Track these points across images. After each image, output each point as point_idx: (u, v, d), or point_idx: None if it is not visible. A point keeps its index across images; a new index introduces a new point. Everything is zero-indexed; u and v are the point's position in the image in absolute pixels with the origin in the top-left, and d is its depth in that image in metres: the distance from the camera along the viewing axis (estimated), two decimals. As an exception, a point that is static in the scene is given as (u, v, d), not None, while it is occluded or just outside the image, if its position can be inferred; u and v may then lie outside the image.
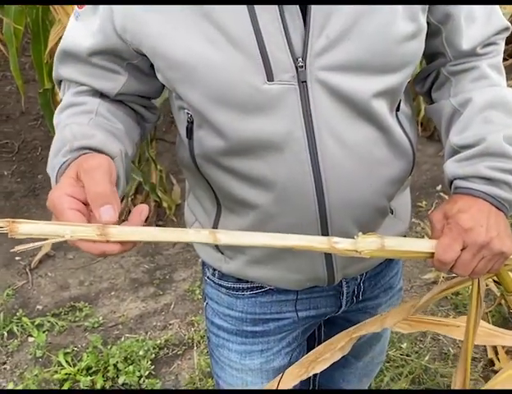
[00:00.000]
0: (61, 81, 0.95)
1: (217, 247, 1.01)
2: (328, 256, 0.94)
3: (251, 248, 0.97)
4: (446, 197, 2.83)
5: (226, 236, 0.72)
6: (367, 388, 1.43)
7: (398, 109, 0.91)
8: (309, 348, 1.17)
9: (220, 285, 1.07)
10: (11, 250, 0.69)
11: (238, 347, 1.10)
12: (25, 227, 0.68)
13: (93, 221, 0.70)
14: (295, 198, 0.87)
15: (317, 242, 0.75)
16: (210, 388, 2.01)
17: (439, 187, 2.97)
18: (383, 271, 1.12)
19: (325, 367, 1.11)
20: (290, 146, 0.83)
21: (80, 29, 0.87)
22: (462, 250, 0.80)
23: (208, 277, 1.09)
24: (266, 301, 1.06)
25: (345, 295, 1.07)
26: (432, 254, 0.81)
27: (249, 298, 1.06)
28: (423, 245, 0.81)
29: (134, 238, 0.69)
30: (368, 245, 0.77)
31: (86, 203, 0.70)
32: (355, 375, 1.34)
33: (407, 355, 2.06)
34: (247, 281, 1.04)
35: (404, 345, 2.09)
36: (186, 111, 0.88)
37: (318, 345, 1.20)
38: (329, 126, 0.83)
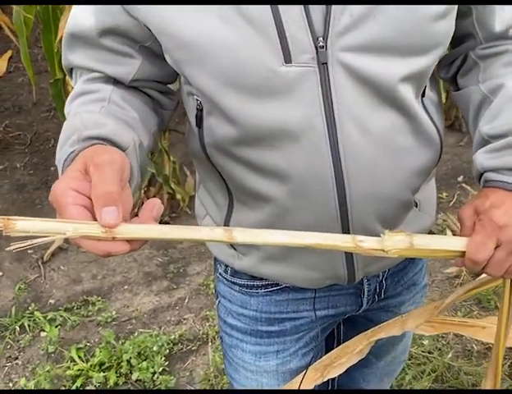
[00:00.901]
0: (72, 69, 0.88)
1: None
2: (349, 253, 0.88)
3: (265, 243, 0.91)
4: (468, 188, 2.74)
5: (242, 234, 0.66)
6: (388, 388, 1.36)
7: (423, 95, 0.85)
8: (328, 348, 1.12)
9: (233, 282, 1.01)
10: (15, 248, 0.62)
11: (252, 348, 1.04)
12: (21, 224, 0.61)
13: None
14: (313, 191, 0.80)
15: (341, 241, 0.69)
16: (225, 386, 1.96)
17: (460, 178, 2.89)
18: (407, 267, 1.05)
19: (341, 371, 1.05)
20: (308, 135, 0.77)
21: (85, 10, 0.81)
22: (495, 249, 0.73)
23: (220, 274, 1.04)
24: (282, 300, 1.00)
25: (366, 293, 1.01)
26: (463, 252, 0.74)
27: (263, 296, 1.00)
28: (455, 244, 0.74)
29: (142, 236, 0.63)
30: (395, 243, 0.70)
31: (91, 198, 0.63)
32: (376, 375, 1.28)
33: (429, 352, 1.99)
34: (261, 279, 0.98)
35: (425, 342, 2.02)
36: (195, 97, 0.82)
37: (337, 345, 1.14)
38: (351, 113, 0.76)
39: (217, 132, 0.82)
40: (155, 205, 0.65)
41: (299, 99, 0.75)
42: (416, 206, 0.94)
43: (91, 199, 0.62)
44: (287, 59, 0.73)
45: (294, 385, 1.04)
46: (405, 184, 0.85)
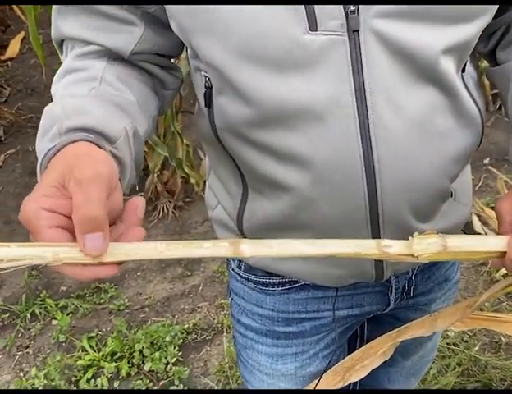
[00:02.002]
0: (62, 42, 0.77)
1: (242, 235, 0.86)
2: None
3: (282, 236, 0.81)
4: (495, 171, 2.61)
5: (251, 247, 0.57)
6: (414, 388, 1.28)
7: (463, 70, 0.75)
8: (350, 349, 1.03)
9: (247, 279, 0.92)
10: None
11: (269, 350, 0.96)
12: None
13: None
14: (339, 179, 0.70)
15: (364, 247, 0.59)
16: (240, 377, 1.88)
17: (487, 160, 2.76)
18: (439, 262, 0.95)
19: (364, 375, 0.97)
20: (335, 115, 0.67)
21: None
22: None
23: (232, 270, 0.95)
24: (300, 298, 0.91)
25: (393, 291, 0.92)
26: (503, 253, 0.63)
27: (280, 294, 0.91)
28: (494, 243, 0.64)
29: (133, 258, 0.53)
30: (426, 247, 0.60)
31: (70, 217, 0.52)
32: (402, 374, 1.19)
33: (454, 345, 1.89)
34: (278, 276, 0.89)
35: (451, 334, 1.92)
36: (203, 73, 0.72)
37: (361, 345, 1.05)
38: (385, 90, 0.67)
39: (228, 113, 0.72)
40: (138, 206, 0.56)
41: (326, 74, 0.65)
42: (451, 196, 0.84)
43: (69, 218, 0.52)
44: (312, 26, 0.63)
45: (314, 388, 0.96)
46: (443, 171, 0.75)
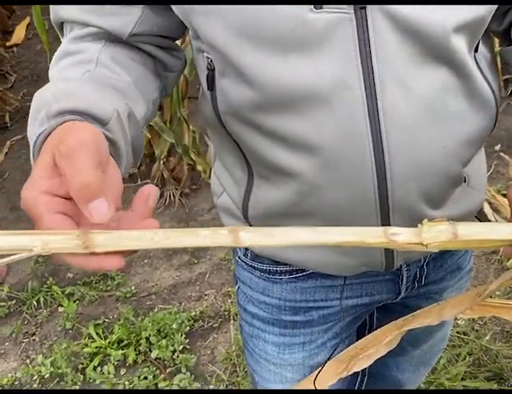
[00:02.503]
0: (62, 25, 0.75)
1: (248, 222, 0.84)
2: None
3: (288, 223, 0.79)
4: (506, 157, 2.57)
5: (251, 235, 0.54)
6: (424, 378, 1.25)
7: (476, 50, 0.71)
8: (359, 338, 1.00)
9: (253, 267, 0.90)
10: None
11: (276, 339, 0.93)
12: None
13: (84, 222, 0.50)
14: (347, 165, 0.68)
15: (370, 235, 0.56)
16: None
17: (498, 147, 2.71)
18: (451, 250, 0.92)
19: (368, 364, 0.95)
20: (342, 97, 0.64)
21: None
22: None
23: (239, 258, 0.92)
24: (308, 287, 0.88)
25: (404, 279, 0.89)
26: None
27: (287, 283, 0.88)
28: (507, 231, 0.60)
29: (127, 247, 0.50)
30: (436, 235, 0.57)
31: (71, 198, 0.49)
32: (412, 363, 1.17)
33: (465, 334, 1.87)
34: (285, 264, 0.87)
35: (461, 323, 1.89)
36: (205, 54, 0.70)
37: (370, 333, 1.03)
38: (394, 71, 0.64)
39: (231, 96, 0.70)
40: (150, 194, 0.52)
41: (331, 54, 0.63)
42: (464, 181, 0.81)
43: (69, 199, 0.49)
44: (318, 3, 0.60)
45: (309, 382, 0.94)
46: (455, 155, 0.72)
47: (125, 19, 0.69)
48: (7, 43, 3.84)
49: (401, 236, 0.57)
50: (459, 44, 0.66)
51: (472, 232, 0.59)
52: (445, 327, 1.10)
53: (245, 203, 0.81)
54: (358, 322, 0.98)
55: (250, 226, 0.84)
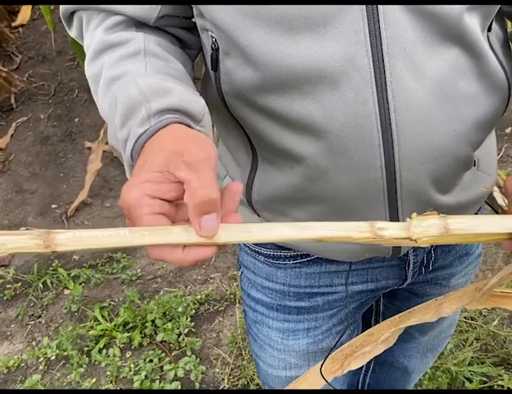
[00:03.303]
0: (72, 14, 0.72)
1: (252, 207, 0.82)
2: (394, 219, 0.74)
3: (294, 209, 0.77)
4: (517, 140, 2.53)
5: (226, 232, 0.51)
6: (431, 364, 1.24)
7: (489, 29, 0.68)
8: (365, 325, 0.99)
9: (257, 252, 0.88)
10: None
11: (280, 325, 0.92)
12: None
13: (179, 223, 0.51)
14: (354, 148, 0.65)
15: (356, 230, 0.53)
16: (253, 349, 1.86)
17: (508, 130, 2.66)
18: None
19: (364, 363, 0.93)
20: (350, 78, 0.62)
21: None
22: None
23: (242, 243, 0.90)
24: (313, 272, 0.86)
25: (411, 265, 0.87)
26: None
27: (292, 268, 0.87)
28: (502, 224, 0.56)
29: (87, 246, 0.48)
30: (426, 229, 0.54)
31: (171, 201, 0.51)
32: (419, 350, 1.15)
33: (472, 319, 1.85)
34: (289, 249, 0.85)
35: (469, 308, 1.87)
36: (210, 33, 0.67)
37: (376, 320, 1.02)
38: (404, 51, 0.61)
39: (235, 77, 0.67)
40: (237, 191, 0.52)
41: (340, 34, 0.60)
42: (474, 165, 0.79)
43: (169, 202, 0.50)
44: None
45: (309, 375, 0.92)
46: (466, 138, 0.70)
47: (150, 6, 0.66)
48: (13, 24, 3.81)
49: (389, 231, 0.54)
50: (472, 23, 0.63)
51: (464, 226, 0.56)
52: (454, 313, 1.08)
53: (249, 187, 0.79)
54: (363, 308, 0.96)
55: (254, 210, 0.82)
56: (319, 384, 0.89)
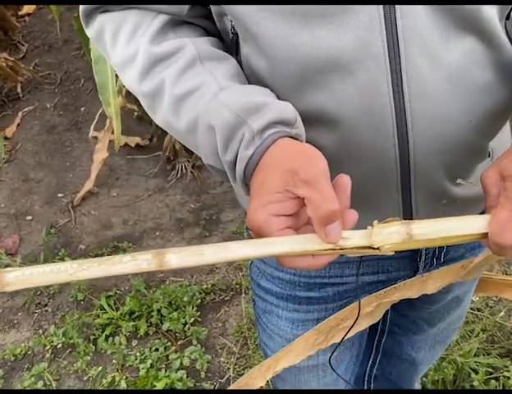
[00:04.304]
0: (92, 11, 0.71)
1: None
2: (407, 210, 0.73)
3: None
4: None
5: (178, 256, 0.51)
6: (439, 356, 1.24)
7: (508, 17, 0.68)
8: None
9: (267, 242, 0.88)
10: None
11: (289, 315, 0.92)
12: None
13: (302, 232, 0.56)
14: (368, 138, 0.65)
15: (315, 243, 0.54)
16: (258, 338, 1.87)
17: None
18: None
19: (347, 336, 0.92)
20: (365, 67, 0.61)
21: None
22: None
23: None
24: (324, 262, 0.86)
25: (423, 256, 0.87)
26: (486, 234, 0.56)
27: (302, 258, 0.86)
28: (472, 225, 0.55)
29: (40, 283, 0.49)
30: (387, 237, 0.54)
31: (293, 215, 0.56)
32: (427, 342, 1.15)
33: (478, 311, 1.85)
34: (300, 239, 0.84)
35: (475, 299, 1.87)
36: (229, 17, 0.66)
37: (384, 313, 1.01)
38: (420, 40, 0.60)
39: (251, 64, 0.67)
40: (347, 184, 0.56)
41: (355, 22, 0.59)
42: (489, 156, 0.78)
43: (291, 216, 0.55)
44: None
45: (293, 347, 0.91)
46: (481, 129, 0.69)
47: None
48: (19, 13, 3.80)
49: (351, 241, 0.54)
50: (490, 12, 0.62)
51: (428, 231, 0.55)
52: (463, 305, 1.08)
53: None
54: (373, 299, 0.96)
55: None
56: (304, 354, 0.90)
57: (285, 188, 0.54)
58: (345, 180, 0.55)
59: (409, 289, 0.86)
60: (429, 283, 0.84)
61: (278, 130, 0.58)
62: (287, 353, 0.91)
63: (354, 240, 0.55)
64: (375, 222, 0.55)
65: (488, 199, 0.58)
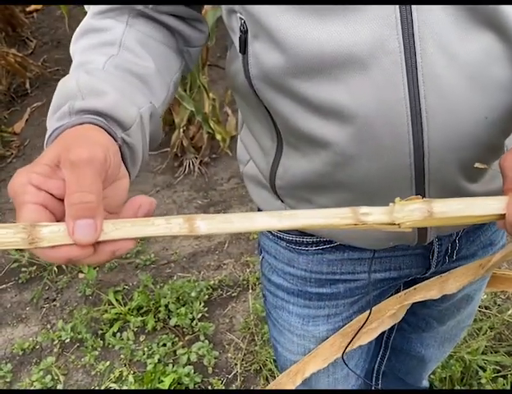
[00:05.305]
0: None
1: (275, 192, 0.82)
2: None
3: (318, 196, 0.77)
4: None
5: (208, 223, 0.51)
6: (448, 353, 1.24)
7: None
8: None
9: (279, 237, 0.88)
10: None
11: (300, 310, 0.92)
12: None
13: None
14: (383, 134, 0.65)
15: (338, 217, 0.53)
16: (265, 335, 1.87)
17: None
18: (485, 224, 0.89)
19: (372, 338, 0.94)
20: (380, 62, 0.61)
21: None
22: None
23: (264, 228, 0.90)
24: (335, 259, 0.86)
25: (435, 254, 0.86)
26: (503, 215, 0.56)
27: (314, 254, 0.86)
28: (490, 207, 0.56)
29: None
30: (409, 213, 0.54)
31: (60, 199, 0.50)
32: (436, 339, 1.15)
33: (486, 308, 1.84)
34: (312, 235, 0.85)
35: (483, 297, 1.87)
36: (239, 15, 0.66)
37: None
38: (436, 35, 0.60)
39: (264, 60, 0.67)
40: (140, 206, 0.51)
41: (370, 16, 0.59)
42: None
43: (57, 199, 0.49)
44: None
45: (320, 351, 0.93)
46: (497, 126, 0.68)
47: None
48: (27, 9, 3.81)
49: (372, 217, 0.54)
50: (510, 8, 0.62)
51: (449, 209, 0.55)
52: (474, 303, 1.08)
53: (273, 172, 0.79)
54: (385, 295, 0.96)
55: (277, 195, 0.81)
56: (331, 358, 0.90)
57: (55, 163, 0.49)
58: (140, 201, 0.52)
59: (430, 289, 0.86)
60: (449, 283, 0.85)
61: (100, 120, 0.55)
62: (315, 357, 0.92)
63: (375, 215, 0.54)
64: (397, 199, 0.55)
65: (506, 182, 0.58)
